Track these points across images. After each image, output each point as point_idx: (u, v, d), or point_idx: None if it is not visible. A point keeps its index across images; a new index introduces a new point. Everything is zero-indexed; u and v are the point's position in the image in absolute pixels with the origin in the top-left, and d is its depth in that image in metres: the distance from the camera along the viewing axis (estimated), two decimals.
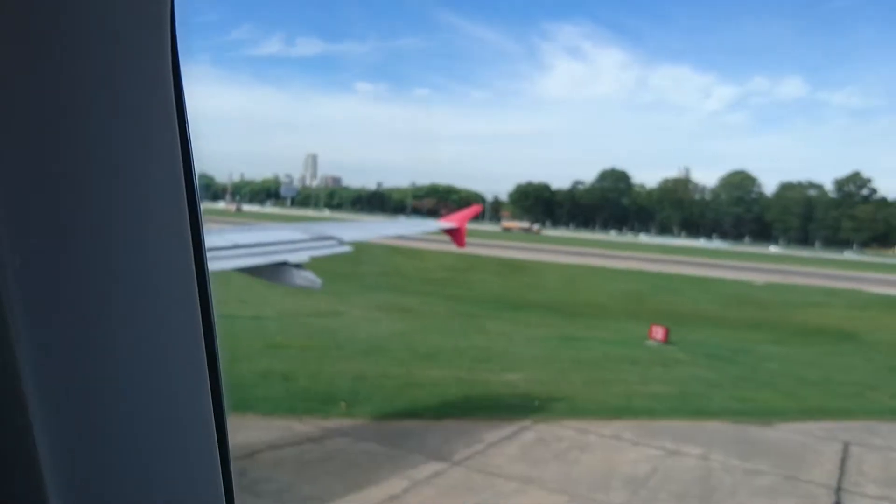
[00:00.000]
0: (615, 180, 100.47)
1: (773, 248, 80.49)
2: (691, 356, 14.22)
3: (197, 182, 1.05)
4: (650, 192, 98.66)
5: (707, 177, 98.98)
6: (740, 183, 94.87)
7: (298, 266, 7.95)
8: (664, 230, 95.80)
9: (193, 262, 1.04)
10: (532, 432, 8.82)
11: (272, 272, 7.76)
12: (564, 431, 8.95)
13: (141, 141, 0.97)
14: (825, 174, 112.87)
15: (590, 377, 12.03)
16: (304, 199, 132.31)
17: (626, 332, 16.94)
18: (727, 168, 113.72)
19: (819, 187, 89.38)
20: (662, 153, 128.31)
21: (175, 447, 1.08)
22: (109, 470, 0.99)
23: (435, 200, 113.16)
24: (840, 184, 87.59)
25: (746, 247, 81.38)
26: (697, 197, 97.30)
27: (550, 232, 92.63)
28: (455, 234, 13.46)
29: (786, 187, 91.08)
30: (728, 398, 11.35)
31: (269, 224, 14.03)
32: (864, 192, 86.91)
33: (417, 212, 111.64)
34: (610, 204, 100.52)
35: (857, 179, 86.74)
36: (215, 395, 1.10)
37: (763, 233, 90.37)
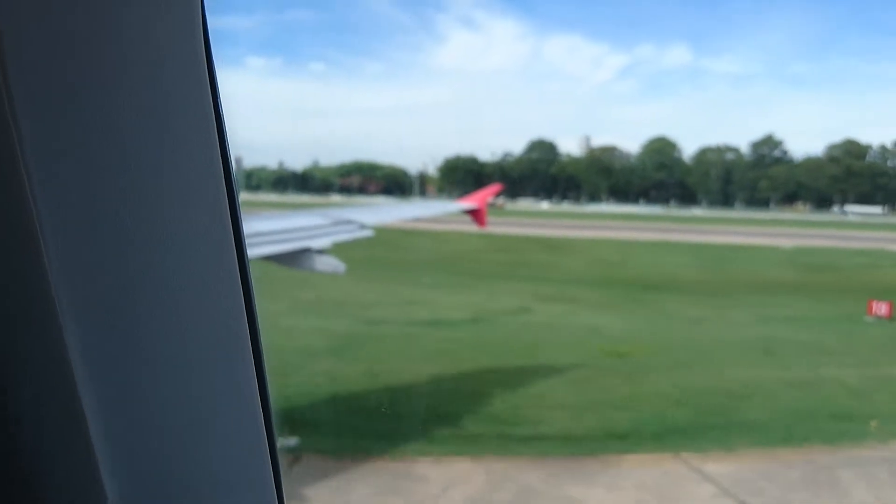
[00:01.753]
0: (543, 151, 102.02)
1: (696, 211, 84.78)
2: None
3: (234, 174, 1.08)
4: (578, 161, 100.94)
5: (607, 143, 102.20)
6: (661, 149, 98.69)
7: (321, 252, 8.04)
8: (593, 198, 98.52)
9: (236, 257, 1.07)
10: None
11: (295, 259, 7.86)
12: None
13: (178, 136, 1.00)
14: (712, 138, 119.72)
15: None
16: None
17: (818, 308, 16.82)
18: (623, 134, 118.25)
19: (736, 150, 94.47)
20: (561, 121, 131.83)
21: (224, 442, 1.12)
22: (161, 464, 1.04)
23: (361, 178, 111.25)
24: (755, 146, 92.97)
25: (679, 210, 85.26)
26: (624, 164, 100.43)
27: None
28: (476, 214, 13.48)
29: (705, 151, 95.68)
30: None
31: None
32: (777, 153, 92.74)
33: (346, 190, 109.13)
34: (539, 174, 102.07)
35: (770, 142, 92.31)
36: (262, 390, 1.13)
37: (686, 196, 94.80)
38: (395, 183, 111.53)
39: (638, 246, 37.02)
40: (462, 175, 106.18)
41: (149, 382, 1.03)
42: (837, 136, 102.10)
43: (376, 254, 29.10)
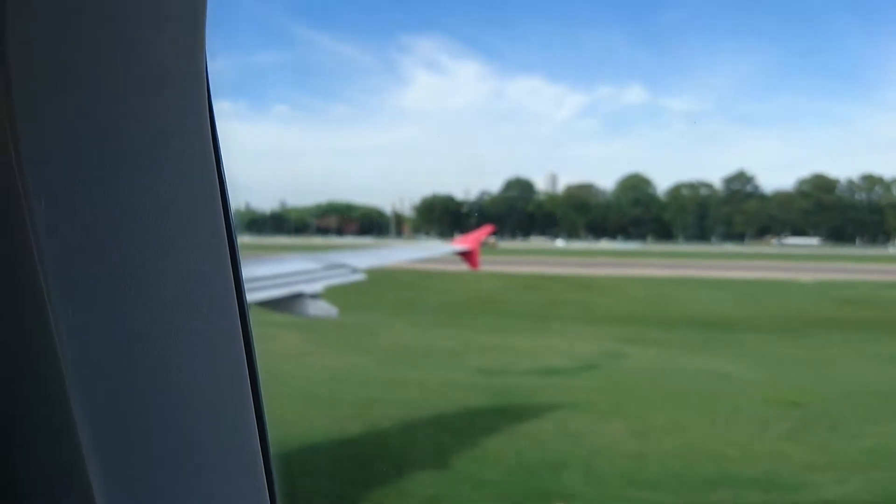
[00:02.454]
0: (520, 189, 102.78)
1: (677, 246, 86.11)
2: None
3: (233, 219, 1.13)
4: (555, 199, 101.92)
5: (575, 181, 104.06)
6: (636, 185, 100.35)
7: (314, 296, 8.10)
8: (571, 234, 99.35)
9: (230, 265, 1.10)
10: None
11: (287, 304, 7.88)
12: None
13: (180, 176, 1.03)
14: (674, 173, 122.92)
15: None
16: None
17: None
18: (588, 172, 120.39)
19: (709, 186, 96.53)
20: (527, 160, 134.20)
21: (217, 452, 1.12)
22: (151, 472, 1.04)
23: (338, 218, 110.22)
24: (728, 182, 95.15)
25: (661, 246, 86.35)
26: (600, 201, 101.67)
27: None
28: (469, 256, 13.36)
29: (679, 187, 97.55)
30: None
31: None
32: (749, 188, 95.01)
33: (324, 231, 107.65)
34: (517, 212, 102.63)
35: (742, 177, 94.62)
36: (256, 402, 1.15)
37: (662, 232, 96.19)
38: (371, 223, 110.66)
39: (656, 283, 36.90)
40: (439, 214, 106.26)
41: (141, 389, 1.03)
42: (788, 172, 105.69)
43: (402, 296, 28.28)
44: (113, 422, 1.00)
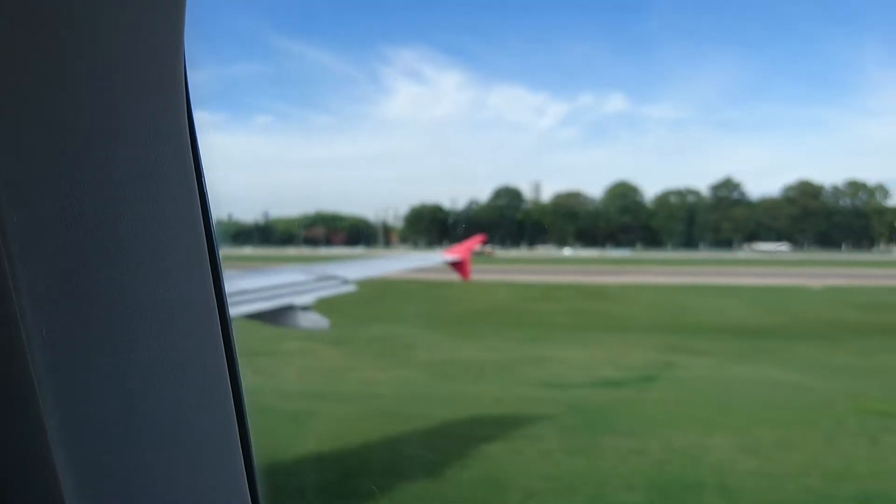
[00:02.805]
0: (509, 198, 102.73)
1: (669, 253, 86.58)
2: None
3: (214, 230, 1.12)
4: (543, 207, 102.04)
5: (556, 190, 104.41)
6: (624, 193, 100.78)
7: (305, 308, 8.11)
8: (560, 242, 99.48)
9: (211, 277, 1.09)
10: None
11: (278, 316, 7.93)
12: None
13: (159, 188, 1.03)
14: (653, 182, 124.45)
15: None
16: None
17: None
18: (571, 180, 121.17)
19: (697, 193, 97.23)
20: (511, 168, 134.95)
21: (195, 453, 1.12)
22: (126, 474, 1.04)
23: (325, 229, 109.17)
24: (715, 189, 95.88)
25: (653, 253, 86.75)
26: (588, 209, 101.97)
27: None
28: (459, 267, 13.54)
29: (667, 194, 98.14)
30: None
31: None
32: (735, 195, 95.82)
33: (311, 241, 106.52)
34: (506, 220, 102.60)
35: (729, 184, 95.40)
36: (237, 402, 1.16)
37: (651, 239, 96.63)
38: (359, 233, 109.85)
39: (665, 290, 36.81)
40: (428, 223, 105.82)
41: (117, 394, 1.02)
42: (768, 178, 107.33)
43: (416, 308, 27.76)
44: (86, 435, 0.99)
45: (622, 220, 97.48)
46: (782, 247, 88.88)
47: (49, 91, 0.90)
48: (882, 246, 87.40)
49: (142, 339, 1.04)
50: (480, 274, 46.63)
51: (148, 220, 1.04)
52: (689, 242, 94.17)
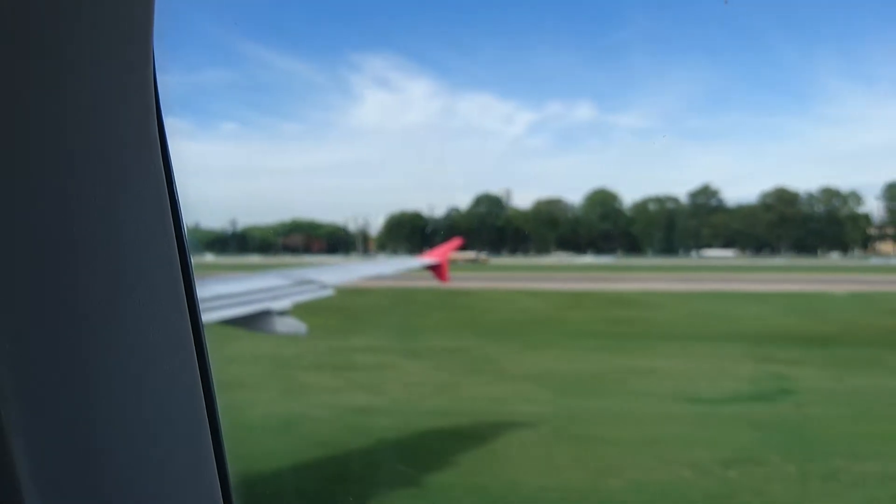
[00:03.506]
0: (490, 205, 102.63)
1: (652, 259, 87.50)
2: None
3: (186, 236, 1.11)
4: (524, 214, 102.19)
5: (526, 197, 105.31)
6: (603, 200, 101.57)
7: (282, 313, 8.09)
8: (541, 249, 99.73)
9: (182, 282, 1.08)
10: None
11: (255, 321, 7.83)
12: None
13: (129, 195, 1.03)
14: (624, 188, 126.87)
15: None
16: None
17: None
18: (539, 188, 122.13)
19: (675, 200, 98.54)
20: (480, 176, 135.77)
21: (166, 453, 1.10)
22: (90, 477, 1.03)
23: (303, 236, 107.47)
24: (693, 196, 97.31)
25: (638, 260, 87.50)
26: (569, 216, 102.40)
27: None
28: (437, 270, 13.62)
29: (647, 201, 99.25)
30: None
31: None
32: (713, 202, 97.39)
33: (289, 249, 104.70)
34: (486, 227, 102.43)
35: (707, 191, 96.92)
36: (208, 402, 1.14)
37: (631, 245, 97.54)
38: (338, 241, 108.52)
39: (689, 297, 36.72)
40: (408, 231, 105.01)
41: (82, 393, 1.01)
42: (735, 186, 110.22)
43: (447, 316, 27.07)
44: (49, 438, 0.97)
45: (602, 227, 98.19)
46: (728, 252, 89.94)
47: (15, 96, 0.88)
48: (857, 251, 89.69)
49: (111, 344, 1.02)
50: (483, 282, 46.09)
51: (118, 226, 1.02)
52: (669, 249, 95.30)
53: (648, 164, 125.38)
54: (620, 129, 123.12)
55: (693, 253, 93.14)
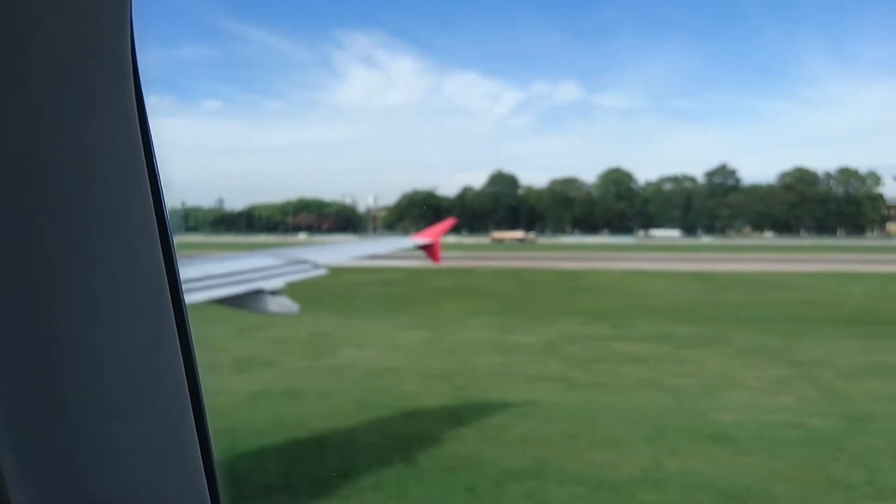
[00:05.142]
0: (504, 184, 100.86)
1: (673, 240, 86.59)
2: None
3: (167, 212, 1.09)
4: (539, 193, 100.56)
5: (537, 176, 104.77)
6: (618, 179, 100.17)
7: (274, 293, 8.02)
8: (557, 229, 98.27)
9: (167, 278, 1.07)
10: None
11: (247, 301, 7.80)
12: None
13: (110, 180, 1.00)
14: (600, 168, 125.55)
15: None
16: None
17: None
18: (528, 167, 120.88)
19: (693, 179, 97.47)
20: (468, 155, 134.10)
21: (151, 448, 1.08)
22: (73, 463, 1.03)
23: (312, 216, 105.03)
24: (710, 175, 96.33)
25: (657, 240, 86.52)
26: (585, 195, 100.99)
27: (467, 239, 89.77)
28: (430, 250, 13.13)
29: (663, 181, 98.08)
30: None
31: None
32: (731, 181, 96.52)
33: (299, 228, 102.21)
34: (501, 207, 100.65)
35: (724, 171, 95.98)
36: (194, 396, 1.11)
37: (648, 225, 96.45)
38: (347, 220, 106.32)
39: (821, 278, 34.66)
40: (421, 210, 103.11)
41: (65, 391, 1.01)
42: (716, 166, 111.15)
43: (635, 307, 25.28)
44: (32, 423, 0.97)
45: (618, 207, 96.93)
46: (673, 233, 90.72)
47: None
48: (875, 232, 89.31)
49: (90, 324, 1.01)
50: (553, 262, 44.22)
51: (97, 206, 0.99)
52: (687, 229, 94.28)
53: (630, 143, 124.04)
54: (604, 109, 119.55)
55: (720, 233, 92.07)
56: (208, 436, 1.15)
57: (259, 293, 7.91)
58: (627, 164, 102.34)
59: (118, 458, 1.05)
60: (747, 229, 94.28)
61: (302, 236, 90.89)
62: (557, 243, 78.33)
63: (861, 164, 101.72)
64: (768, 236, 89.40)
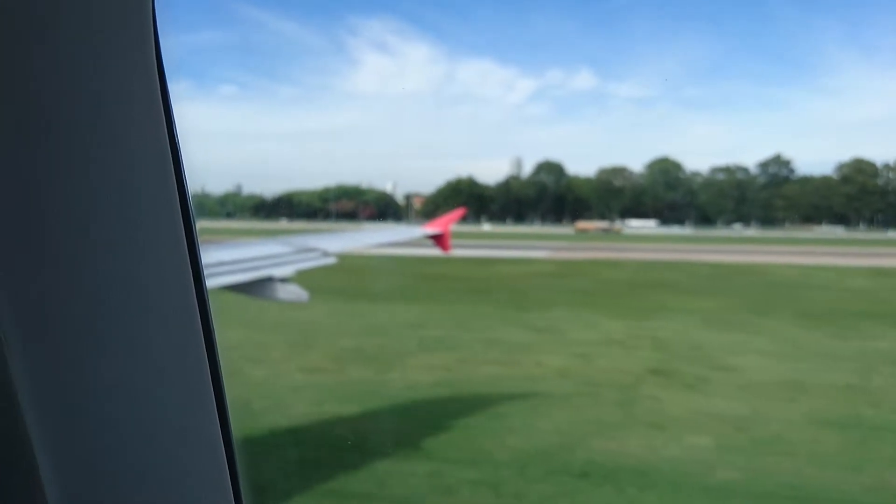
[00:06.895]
0: (551, 173, 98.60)
1: (722, 231, 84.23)
2: None
3: (190, 199, 1.07)
4: (587, 182, 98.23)
5: (531, 165, 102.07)
6: (667, 169, 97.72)
7: (284, 280, 7.96)
8: (604, 218, 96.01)
9: (190, 269, 1.05)
10: None
11: (257, 288, 7.77)
12: None
13: (134, 165, 0.99)
14: (614, 158, 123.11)
15: None
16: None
17: None
18: (544, 156, 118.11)
19: (745, 170, 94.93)
20: (484, 144, 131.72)
21: (178, 450, 1.08)
22: (106, 463, 1.03)
23: (352, 203, 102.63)
24: (765, 166, 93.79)
25: (714, 231, 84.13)
26: (633, 185, 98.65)
27: (501, 228, 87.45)
28: (440, 240, 12.80)
29: (715, 171, 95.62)
30: None
31: None
32: (785, 172, 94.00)
33: (339, 215, 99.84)
34: (548, 196, 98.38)
35: (779, 161, 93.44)
36: (218, 397, 1.10)
37: (699, 216, 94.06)
38: (387, 207, 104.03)
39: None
40: (465, 198, 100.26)
41: (98, 393, 1.01)
42: (727, 157, 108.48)
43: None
44: (63, 417, 0.98)
45: (668, 197, 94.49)
46: (650, 223, 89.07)
47: (10, 71, 0.87)
48: None
49: (116, 319, 1.00)
50: (645, 253, 41.96)
51: (122, 197, 0.98)
52: (740, 220, 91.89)
53: (644, 132, 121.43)
54: (620, 98, 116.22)
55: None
56: (231, 435, 1.12)
57: (269, 280, 7.96)
58: (674, 154, 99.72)
59: (144, 458, 1.02)
60: (801, 222, 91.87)
61: (346, 224, 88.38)
62: (637, 234, 75.97)
63: None
64: (827, 229, 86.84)
